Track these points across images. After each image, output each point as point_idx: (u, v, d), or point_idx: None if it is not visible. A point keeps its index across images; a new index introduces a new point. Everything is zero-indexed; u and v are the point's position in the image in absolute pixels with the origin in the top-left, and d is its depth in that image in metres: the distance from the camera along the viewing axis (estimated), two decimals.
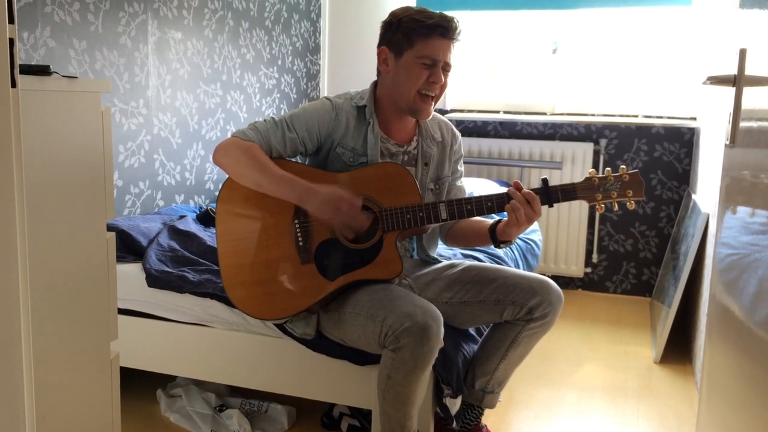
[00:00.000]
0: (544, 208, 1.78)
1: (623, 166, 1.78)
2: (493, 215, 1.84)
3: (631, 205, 1.76)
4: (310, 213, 1.75)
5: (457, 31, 1.82)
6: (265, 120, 1.84)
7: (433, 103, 1.86)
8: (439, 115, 2.03)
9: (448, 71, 1.86)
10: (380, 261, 1.77)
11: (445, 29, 1.80)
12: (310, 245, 1.78)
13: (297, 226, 1.79)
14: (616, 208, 1.77)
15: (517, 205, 1.72)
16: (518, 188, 1.74)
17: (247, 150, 1.76)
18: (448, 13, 1.85)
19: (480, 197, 1.77)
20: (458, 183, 2.05)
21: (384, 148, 1.91)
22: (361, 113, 1.89)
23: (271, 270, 1.79)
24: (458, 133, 2.06)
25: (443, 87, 1.86)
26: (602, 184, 1.75)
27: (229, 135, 2.69)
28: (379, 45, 1.88)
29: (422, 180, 1.95)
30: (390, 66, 1.86)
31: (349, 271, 1.77)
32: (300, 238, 1.79)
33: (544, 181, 1.76)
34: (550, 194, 1.75)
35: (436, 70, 1.81)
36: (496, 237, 1.83)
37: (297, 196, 1.73)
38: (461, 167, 2.07)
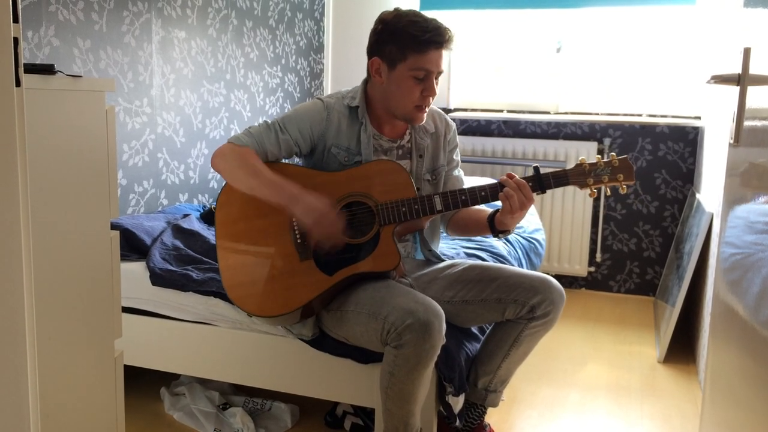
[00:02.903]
0: (540, 198, 1.79)
1: (613, 153, 1.79)
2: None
3: (623, 190, 1.78)
4: (295, 218, 1.77)
5: (452, 42, 1.81)
6: (259, 124, 1.88)
7: (426, 109, 1.87)
8: (432, 107, 2.02)
9: (439, 76, 1.86)
10: (378, 254, 1.77)
11: (439, 44, 1.79)
12: (308, 242, 1.79)
13: (295, 223, 1.80)
14: (609, 193, 1.79)
15: (510, 192, 1.75)
16: (510, 177, 1.77)
17: (242, 155, 1.79)
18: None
19: (473, 187, 1.80)
20: (455, 173, 2.06)
21: (377, 145, 1.92)
22: (353, 113, 1.90)
23: (271, 268, 1.80)
24: (452, 123, 2.06)
25: (435, 92, 1.86)
26: (593, 169, 1.77)
27: (232, 134, 2.69)
28: (371, 54, 1.86)
29: (418, 171, 1.95)
30: (383, 77, 1.85)
31: (347, 265, 1.78)
32: (298, 235, 1.80)
33: (536, 168, 1.79)
34: (542, 180, 1.78)
35: (429, 82, 1.81)
36: (494, 226, 1.85)
37: (285, 199, 1.75)
38: (457, 156, 2.07)
